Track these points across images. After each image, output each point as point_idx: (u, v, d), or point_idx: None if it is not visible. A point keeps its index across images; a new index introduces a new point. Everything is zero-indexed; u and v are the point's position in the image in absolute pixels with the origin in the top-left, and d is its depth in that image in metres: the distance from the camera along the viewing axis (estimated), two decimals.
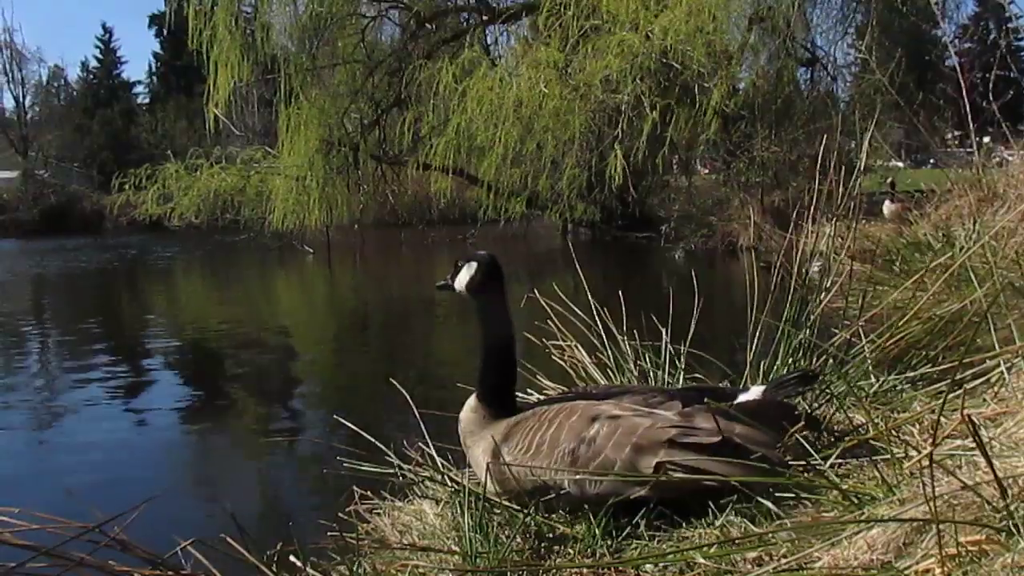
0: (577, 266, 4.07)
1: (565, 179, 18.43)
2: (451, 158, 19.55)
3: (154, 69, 56.83)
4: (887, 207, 12.72)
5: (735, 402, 2.43)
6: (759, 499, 2.08)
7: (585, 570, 2.05)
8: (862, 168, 3.86)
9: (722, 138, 18.52)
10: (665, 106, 16.40)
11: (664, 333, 3.32)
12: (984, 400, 2.40)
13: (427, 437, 2.83)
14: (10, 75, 49.73)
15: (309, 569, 2.17)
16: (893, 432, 2.29)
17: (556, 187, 19.22)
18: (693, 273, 4.22)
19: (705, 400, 2.36)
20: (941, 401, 1.99)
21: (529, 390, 3.20)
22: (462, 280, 2.64)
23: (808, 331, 3.08)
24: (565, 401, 2.54)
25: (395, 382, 3.17)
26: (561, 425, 2.35)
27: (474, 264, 2.62)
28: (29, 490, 5.14)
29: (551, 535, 2.25)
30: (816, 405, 2.76)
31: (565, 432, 2.32)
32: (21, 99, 50.68)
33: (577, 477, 2.26)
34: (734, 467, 2.12)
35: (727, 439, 2.17)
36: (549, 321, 3.49)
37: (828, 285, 3.33)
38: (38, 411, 7.65)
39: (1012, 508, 1.54)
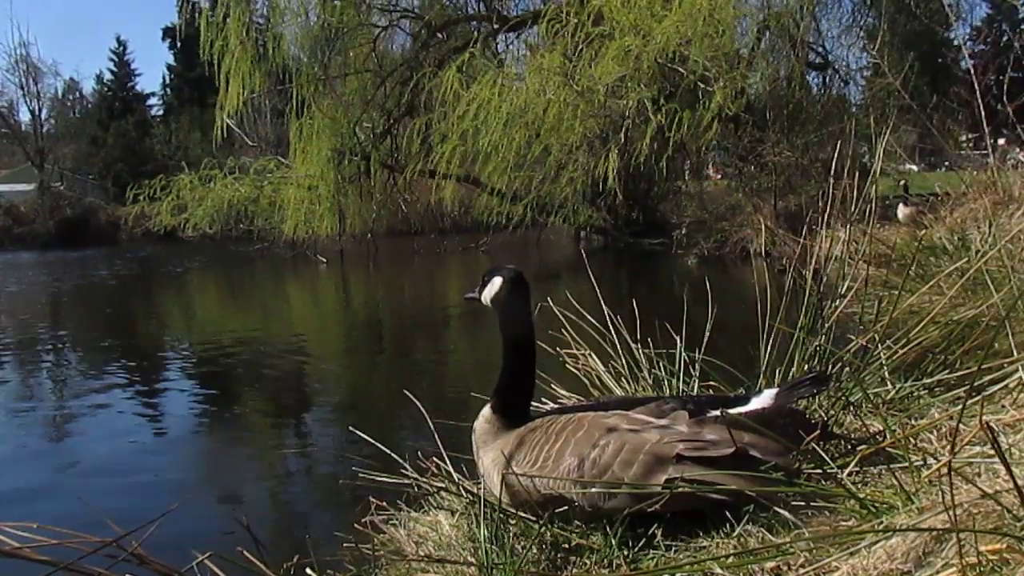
0: (590, 273, 4.06)
1: (565, 182, 18.46)
2: (456, 164, 19.66)
3: (168, 81, 57.37)
4: (901, 211, 12.65)
5: (747, 408, 2.41)
6: (776, 509, 2.06)
7: None
8: (876, 172, 3.83)
9: (733, 143, 18.49)
10: (668, 110, 16.39)
11: (678, 340, 3.30)
12: (1003, 407, 2.37)
13: (442, 448, 2.83)
14: (26, 89, 50.23)
15: None
16: (911, 440, 2.27)
17: (562, 192, 19.27)
18: (706, 279, 4.21)
19: (720, 410, 2.35)
20: (959, 408, 1.97)
21: (544, 399, 3.19)
22: (488, 293, 2.69)
23: (823, 337, 3.05)
24: (576, 411, 2.52)
25: (409, 393, 3.17)
26: (568, 440, 2.33)
27: (500, 279, 2.67)
28: (46, 503, 5.18)
29: (567, 546, 2.24)
30: (832, 413, 2.74)
31: (572, 447, 2.30)
32: (37, 112, 51.21)
33: (585, 492, 2.24)
34: (745, 479, 2.10)
35: (738, 450, 2.15)
36: (563, 329, 3.49)
37: (843, 290, 3.30)
38: (55, 423, 7.70)
39: None
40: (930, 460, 2.11)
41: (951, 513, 1.54)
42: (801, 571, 1.79)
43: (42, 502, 5.21)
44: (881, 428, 2.48)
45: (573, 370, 3.41)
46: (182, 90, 53.46)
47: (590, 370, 3.38)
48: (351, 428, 3.31)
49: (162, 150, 47.04)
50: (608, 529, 2.19)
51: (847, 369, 2.95)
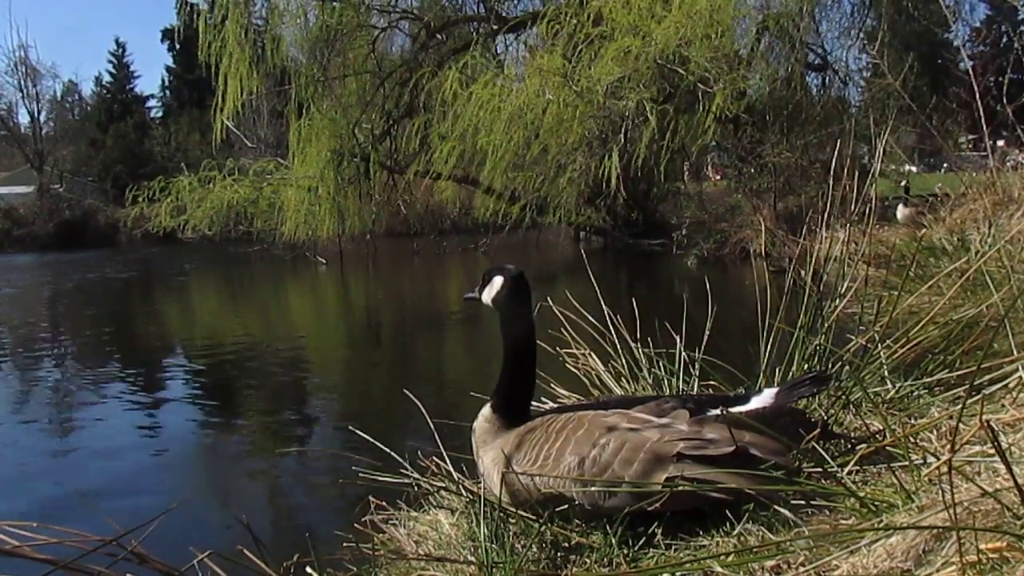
0: (590, 273, 4.06)
1: (565, 183, 18.47)
2: (453, 164, 19.67)
3: (167, 83, 57.37)
4: (901, 211, 12.67)
5: (747, 407, 2.41)
6: (777, 507, 2.06)
7: None
8: (876, 172, 3.84)
9: (733, 144, 18.51)
10: (668, 111, 16.41)
11: (678, 340, 3.30)
12: (1003, 406, 2.37)
13: (442, 447, 2.83)
14: (25, 91, 50.15)
15: None
16: (911, 438, 2.27)
17: (562, 193, 19.28)
18: (706, 279, 4.21)
19: (720, 408, 2.35)
20: (959, 407, 1.97)
21: (544, 399, 3.19)
22: (488, 293, 2.68)
23: (823, 337, 3.05)
24: (576, 411, 2.52)
25: (409, 392, 3.17)
26: (568, 439, 2.33)
27: (501, 278, 2.66)
28: (46, 502, 5.17)
29: (567, 544, 2.24)
30: (832, 412, 2.74)
31: (572, 446, 2.30)
32: (36, 114, 51.14)
33: (585, 491, 2.24)
34: (745, 478, 2.10)
35: (738, 449, 2.15)
36: (563, 329, 3.48)
37: (842, 290, 3.31)
38: (55, 424, 7.70)
39: None
40: (930, 459, 2.11)
41: (951, 511, 1.55)
42: (801, 570, 1.78)
43: (42, 501, 5.20)
44: (881, 427, 2.49)
45: (573, 370, 3.40)
46: (181, 92, 53.45)
47: (590, 370, 3.38)
48: (351, 428, 3.31)
49: (161, 152, 46.99)
50: (608, 528, 2.19)
51: (847, 368, 2.95)
